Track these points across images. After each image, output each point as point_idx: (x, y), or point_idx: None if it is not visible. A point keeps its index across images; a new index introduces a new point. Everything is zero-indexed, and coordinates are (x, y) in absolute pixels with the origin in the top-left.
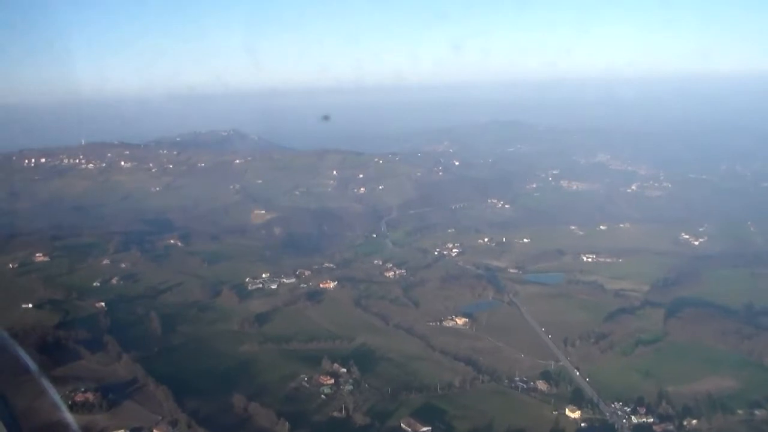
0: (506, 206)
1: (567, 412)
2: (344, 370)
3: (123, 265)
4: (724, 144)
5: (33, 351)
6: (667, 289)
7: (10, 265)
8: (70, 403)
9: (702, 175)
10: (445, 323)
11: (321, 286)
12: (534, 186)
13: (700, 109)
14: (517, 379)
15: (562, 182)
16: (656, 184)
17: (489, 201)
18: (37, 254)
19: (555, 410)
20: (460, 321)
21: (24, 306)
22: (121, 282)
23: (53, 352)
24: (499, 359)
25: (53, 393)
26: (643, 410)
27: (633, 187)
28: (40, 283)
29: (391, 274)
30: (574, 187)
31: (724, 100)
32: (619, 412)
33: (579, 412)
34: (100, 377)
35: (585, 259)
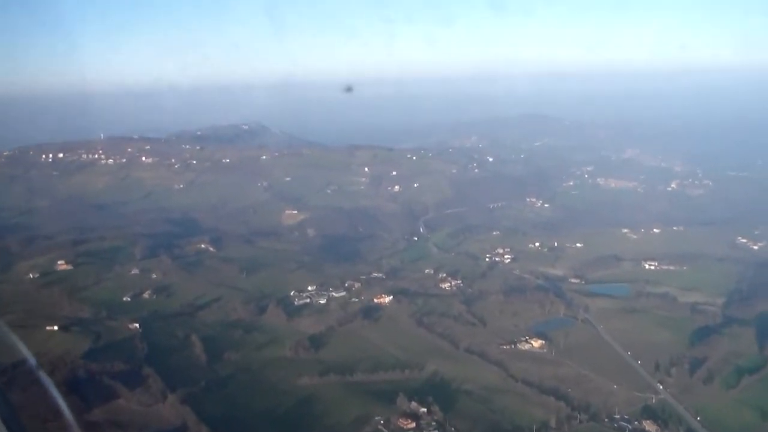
0: (545, 205)
1: None
2: (424, 409)
3: (154, 276)
4: (755, 139)
5: (63, 387)
6: (744, 302)
7: (30, 275)
8: None
9: (741, 172)
10: (519, 346)
11: (375, 301)
12: (571, 183)
13: (725, 102)
14: (618, 416)
15: (598, 180)
16: (696, 182)
17: (527, 200)
18: (59, 261)
19: None
20: (536, 343)
21: (49, 328)
22: (154, 296)
23: (86, 389)
24: (590, 391)
25: None
26: None
27: (673, 185)
28: (65, 298)
29: (447, 285)
30: (612, 185)
31: (750, 93)
32: None
33: None
34: (143, 423)
35: (647, 266)
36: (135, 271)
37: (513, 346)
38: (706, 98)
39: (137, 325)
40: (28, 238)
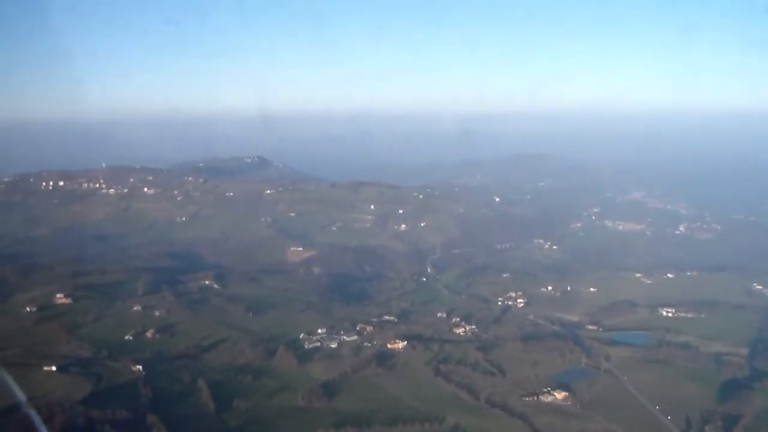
0: (554, 247)
1: None
2: None
3: (157, 313)
4: (759, 182)
5: None
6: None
7: (28, 309)
8: None
9: (748, 216)
10: (542, 398)
11: (389, 346)
12: (579, 225)
13: (727, 145)
14: None
15: (606, 221)
16: (704, 226)
17: (535, 241)
18: (58, 295)
19: None
20: (559, 395)
21: (46, 368)
22: (157, 335)
23: None
24: None
25: None
26: None
27: (681, 229)
28: (64, 335)
29: (461, 330)
30: (620, 228)
31: (751, 135)
32: None
33: None
34: None
35: (664, 313)
36: (137, 307)
37: (535, 398)
38: (707, 140)
39: (140, 367)
40: (27, 268)
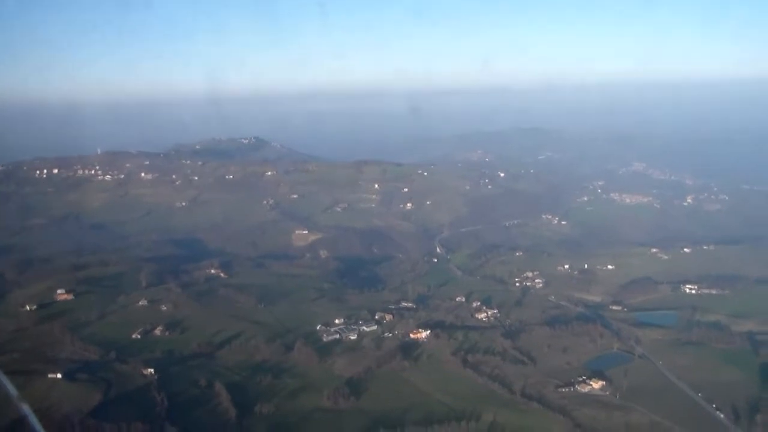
0: (562, 222)
1: None
2: None
3: (164, 308)
4: (759, 150)
5: None
6: None
7: (28, 307)
8: None
9: (755, 186)
10: (579, 388)
11: (411, 336)
12: (585, 199)
13: (726, 115)
14: None
15: (612, 194)
16: (712, 197)
17: (543, 216)
18: (59, 290)
19: None
20: (596, 384)
21: (51, 376)
22: (167, 333)
23: None
24: None
25: None
26: None
27: (689, 200)
28: (67, 336)
29: (483, 315)
30: (627, 201)
31: (750, 105)
32: None
33: None
34: None
35: (687, 290)
36: (142, 302)
37: (572, 389)
38: (706, 111)
39: (152, 370)
40: (24, 262)
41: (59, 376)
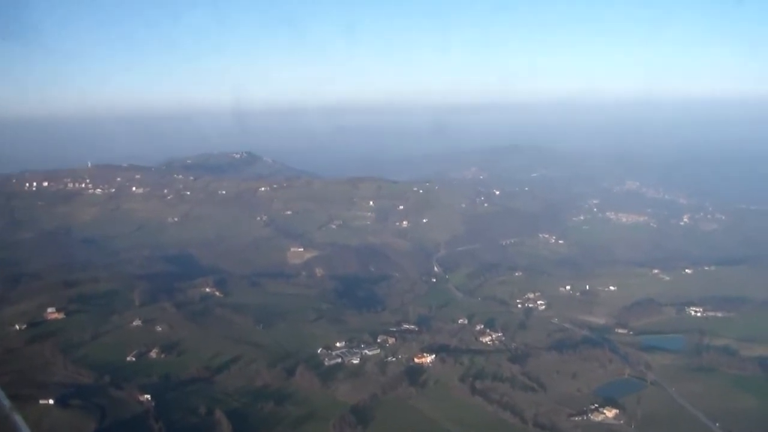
0: (560, 242)
1: None
2: None
3: (159, 328)
4: (753, 170)
5: None
6: None
7: (17, 326)
8: None
9: (750, 205)
10: (592, 417)
11: (416, 360)
12: (581, 218)
13: (720, 134)
14: None
15: (608, 213)
16: (708, 216)
17: (540, 236)
18: (49, 309)
19: None
20: (610, 413)
21: (43, 402)
22: (162, 355)
23: None
24: None
25: None
26: None
27: (685, 219)
28: (59, 358)
29: (487, 339)
30: (623, 220)
31: (746, 124)
32: None
33: None
34: None
35: (692, 313)
36: (136, 322)
37: (585, 417)
38: (703, 130)
39: (148, 396)
40: (13, 278)
41: (51, 402)
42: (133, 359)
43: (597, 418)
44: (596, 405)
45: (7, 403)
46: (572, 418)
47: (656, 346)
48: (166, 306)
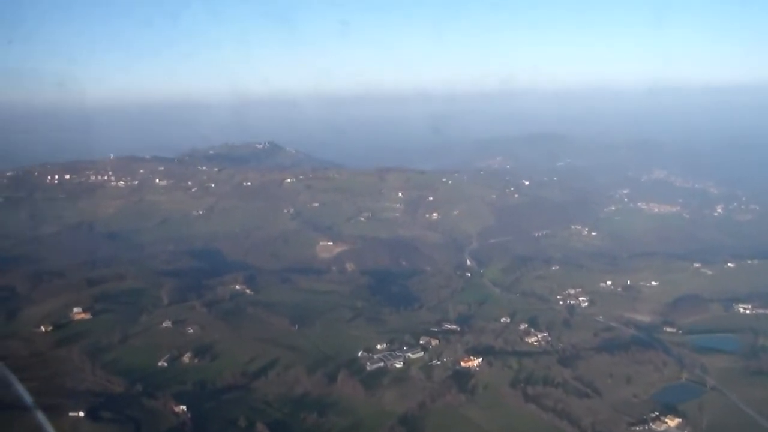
0: (593, 233)
1: None
2: None
3: (190, 330)
4: None
5: None
6: None
7: (42, 328)
8: None
9: None
10: (654, 426)
11: (462, 364)
12: (613, 209)
13: (743, 121)
14: None
15: (639, 204)
16: (742, 207)
17: (572, 227)
18: (75, 309)
19: None
20: (672, 422)
21: (72, 414)
22: (195, 360)
23: None
24: None
25: None
26: None
27: (719, 210)
28: (88, 363)
29: (533, 339)
30: (655, 210)
31: (755, 110)
32: None
33: None
34: None
35: (741, 310)
36: (166, 323)
37: (646, 426)
38: (725, 116)
39: (184, 407)
40: (36, 275)
41: (82, 414)
42: (165, 364)
43: (659, 427)
44: (656, 413)
45: (40, 415)
46: (632, 428)
47: (709, 347)
48: (196, 305)
